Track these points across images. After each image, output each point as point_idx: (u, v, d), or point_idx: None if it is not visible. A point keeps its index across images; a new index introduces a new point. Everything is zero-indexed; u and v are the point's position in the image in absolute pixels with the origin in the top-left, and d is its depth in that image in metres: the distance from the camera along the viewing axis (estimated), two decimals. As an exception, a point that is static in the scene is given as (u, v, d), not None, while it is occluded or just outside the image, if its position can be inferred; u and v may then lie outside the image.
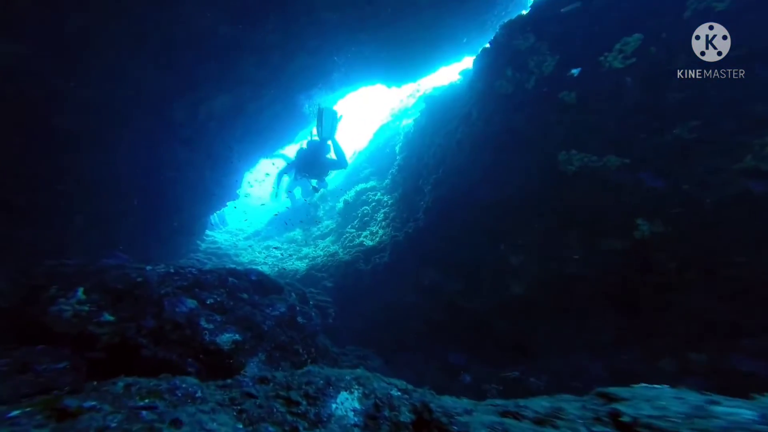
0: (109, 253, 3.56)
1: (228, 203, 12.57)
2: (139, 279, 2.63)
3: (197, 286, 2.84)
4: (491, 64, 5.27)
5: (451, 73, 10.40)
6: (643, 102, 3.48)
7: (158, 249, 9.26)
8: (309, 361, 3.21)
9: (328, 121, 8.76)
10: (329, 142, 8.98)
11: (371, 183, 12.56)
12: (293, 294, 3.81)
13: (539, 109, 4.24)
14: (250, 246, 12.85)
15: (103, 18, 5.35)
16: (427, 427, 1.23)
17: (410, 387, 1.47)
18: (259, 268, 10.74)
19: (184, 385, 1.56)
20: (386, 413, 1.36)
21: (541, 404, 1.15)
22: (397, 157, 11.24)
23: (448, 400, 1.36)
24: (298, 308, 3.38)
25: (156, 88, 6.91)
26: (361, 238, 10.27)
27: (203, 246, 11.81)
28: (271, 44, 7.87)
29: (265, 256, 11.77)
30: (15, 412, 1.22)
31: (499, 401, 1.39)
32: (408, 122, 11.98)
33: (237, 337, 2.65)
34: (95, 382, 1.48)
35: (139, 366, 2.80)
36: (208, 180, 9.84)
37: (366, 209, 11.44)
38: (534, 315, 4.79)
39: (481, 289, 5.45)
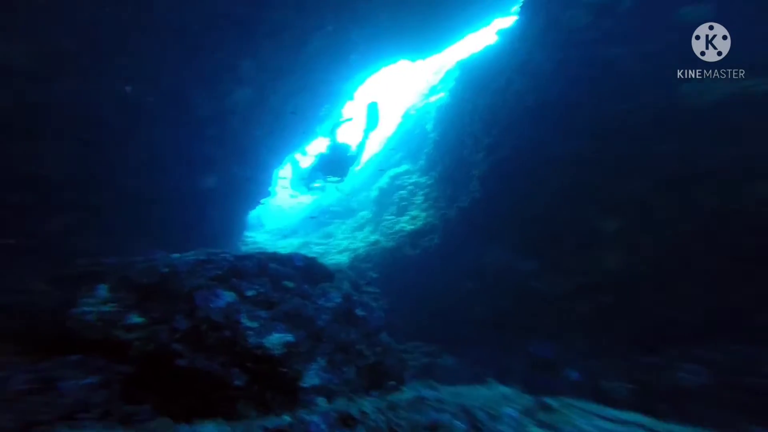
0: (149, 252, 3.11)
1: (262, 201, 12.40)
2: (166, 270, 2.09)
3: (234, 275, 2.27)
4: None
5: (482, 38, 9.23)
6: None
7: (201, 252, 9.15)
8: (376, 363, 2.54)
9: (373, 115, 9.19)
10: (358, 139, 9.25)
11: (404, 166, 11.76)
12: (346, 282, 3.17)
13: (643, 33, 3.22)
14: (289, 244, 12.62)
15: (115, 8, 5.00)
16: None
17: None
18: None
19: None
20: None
21: None
22: (430, 135, 10.32)
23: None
24: (355, 298, 2.72)
25: (176, 82, 6.58)
26: (401, 224, 9.54)
27: (244, 248, 11.71)
28: (285, 24, 7.29)
29: (306, 252, 11.43)
30: None
31: None
32: (439, 97, 10.99)
33: (289, 337, 2.03)
34: None
35: (176, 378, 2.29)
36: (239, 178, 9.57)
37: (402, 193, 10.68)
38: (641, 293, 3.80)
39: (561, 266, 4.52)
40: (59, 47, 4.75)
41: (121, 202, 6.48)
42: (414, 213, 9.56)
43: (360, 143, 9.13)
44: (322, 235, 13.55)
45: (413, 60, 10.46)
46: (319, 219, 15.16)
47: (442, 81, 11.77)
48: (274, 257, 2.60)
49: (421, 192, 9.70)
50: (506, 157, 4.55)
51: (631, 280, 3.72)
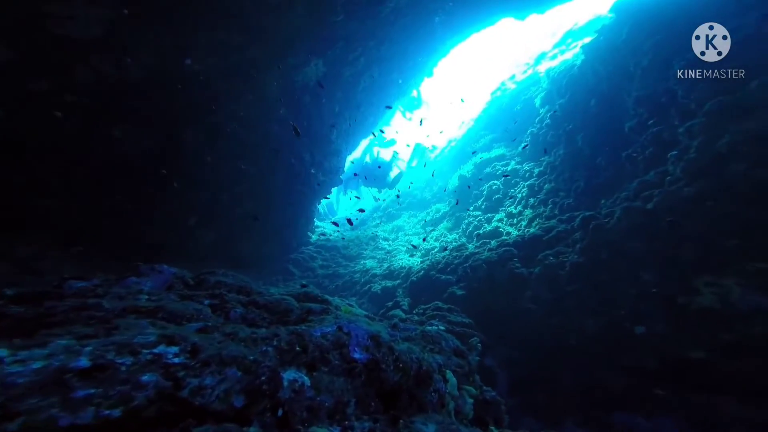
0: (147, 268, 1.83)
1: (333, 189, 11.39)
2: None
3: (171, 424, 0.66)
4: None
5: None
6: None
7: (269, 245, 8.47)
8: None
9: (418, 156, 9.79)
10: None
11: (497, 151, 9.39)
12: (451, 378, 1.42)
13: None
14: (357, 237, 11.45)
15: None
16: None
17: None
18: (366, 263, 9.08)
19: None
20: None
21: None
22: (540, 111, 7.80)
23: None
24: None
25: (245, 56, 5.53)
26: (494, 223, 7.38)
27: (314, 237, 10.83)
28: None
29: (373, 248, 10.09)
30: None
31: None
32: (560, 60, 8.26)
33: None
34: None
35: None
36: (309, 164, 8.53)
37: (495, 184, 8.43)
38: None
39: None
40: (134, 21, 3.94)
41: (185, 189, 5.81)
42: (512, 209, 7.31)
43: (399, 173, 9.77)
44: (391, 229, 12.09)
45: (522, 17, 7.91)
46: (389, 211, 13.74)
47: (561, 41, 8.91)
48: (299, 346, 0.88)
49: (525, 183, 7.35)
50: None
51: None
